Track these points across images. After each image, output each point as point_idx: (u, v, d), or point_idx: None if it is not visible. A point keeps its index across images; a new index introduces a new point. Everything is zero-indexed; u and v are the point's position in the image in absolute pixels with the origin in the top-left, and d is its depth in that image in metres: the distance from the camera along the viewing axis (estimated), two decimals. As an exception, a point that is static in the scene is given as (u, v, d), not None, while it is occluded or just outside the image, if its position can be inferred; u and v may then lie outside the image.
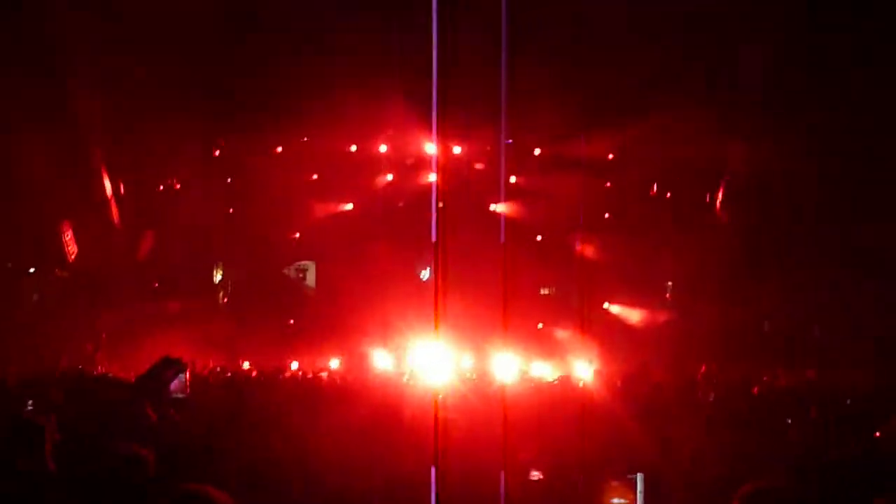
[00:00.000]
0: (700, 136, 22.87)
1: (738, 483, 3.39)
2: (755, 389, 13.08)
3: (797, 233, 19.34)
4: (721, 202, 21.96)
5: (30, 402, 9.60)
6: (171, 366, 9.36)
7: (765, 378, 14.57)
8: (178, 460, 5.11)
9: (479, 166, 23.75)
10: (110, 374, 15.13)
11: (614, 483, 4.74)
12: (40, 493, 3.90)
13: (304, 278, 26.16)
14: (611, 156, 23.11)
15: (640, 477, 4.73)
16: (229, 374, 17.46)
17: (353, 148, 23.32)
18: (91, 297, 20.70)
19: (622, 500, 4.72)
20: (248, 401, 11.75)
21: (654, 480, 5.26)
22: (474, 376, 17.52)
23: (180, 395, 9.22)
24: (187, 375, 9.66)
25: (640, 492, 4.70)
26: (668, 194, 24.42)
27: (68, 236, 20.84)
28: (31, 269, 21.57)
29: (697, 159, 23.10)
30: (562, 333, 23.59)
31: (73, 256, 21.00)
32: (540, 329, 24.52)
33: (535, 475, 5.15)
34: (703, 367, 18.37)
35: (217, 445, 6.62)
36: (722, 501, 3.55)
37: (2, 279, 20.34)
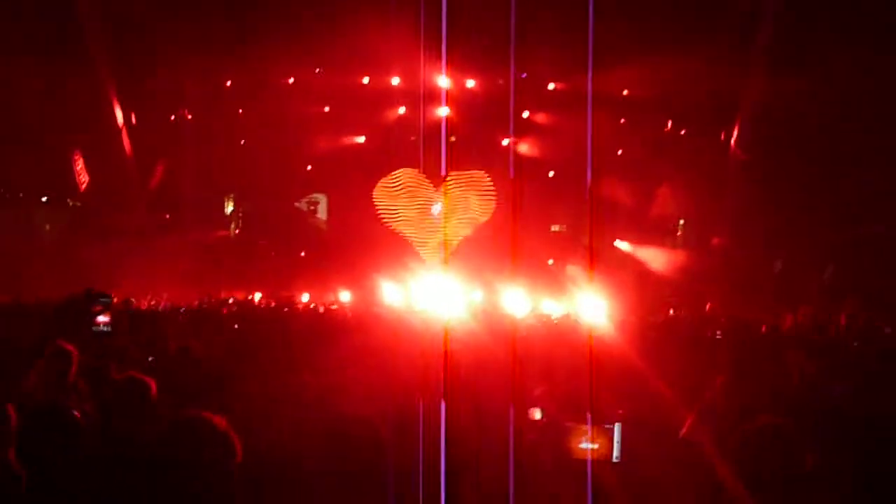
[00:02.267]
0: (716, 71, 22.66)
1: (745, 418, 3.42)
2: (762, 328, 13.11)
3: (813, 172, 19.15)
4: (736, 139, 21.77)
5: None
6: (95, 300, 9.45)
7: (772, 318, 14.57)
8: (186, 391, 5.18)
9: (491, 100, 23.54)
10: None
11: (584, 427, 4.73)
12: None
13: (315, 211, 26.18)
14: (625, 91, 22.86)
15: (617, 427, 4.73)
16: (237, 306, 17.61)
17: (365, 80, 23.10)
18: (102, 227, 20.79)
19: (592, 445, 4.71)
20: (259, 332, 11.86)
21: (660, 418, 5.32)
22: (483, 310, 17.61)
23: (105, 329, 9.27)
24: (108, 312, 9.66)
25: (617, 441, 4.71)
26: (683, 131, 24.22)
27: (79, 165, 20.86)
28: (44, 199, 21.65)
29: (713, 95, 22.89)
30: (572, 270, 23.64)
31: (84, 186, 21.05)
32: (550, 265, 24.58)
33: (536, 414, 5.16)
34: (708, 305, 18.45)
35: (227, 376, 6.70)
36: (730, 436, 3.58)
37: (14, 208, 20.42)
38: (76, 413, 4.10)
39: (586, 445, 4.74)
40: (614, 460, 4.69)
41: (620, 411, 4.96)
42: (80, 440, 3.94)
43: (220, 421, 3.40)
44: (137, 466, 3.51)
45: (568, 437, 4.81)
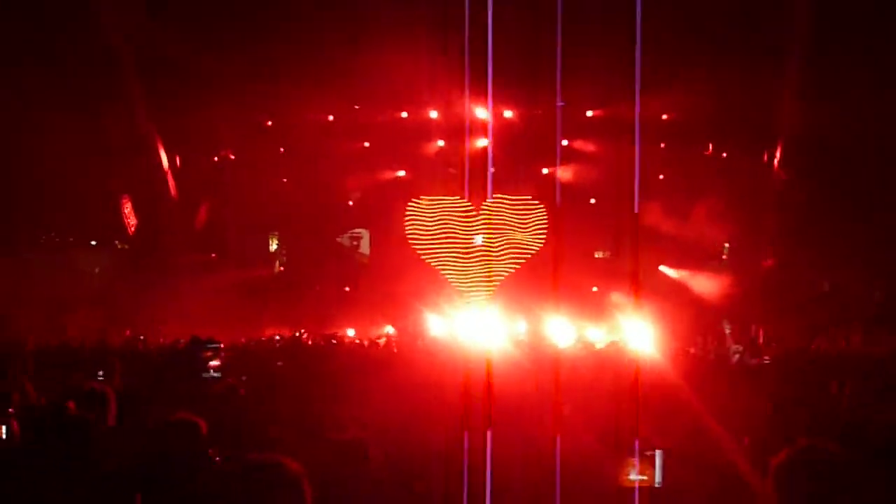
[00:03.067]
0: (756, 94, 22.52)
1: (779, 445, 3.38)
2: (811, 352, 12.93)
3: (858, 192, 18.89)
4: (779, 161, 21.57)
5: (100, 372, 9.88)
6: (202, 346, 9.67)
7: (818, 342, 14.36)
8: (234, 430, 5.22)
9: (530, 129, 23.59)
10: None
11: (632, 459, 4.72)
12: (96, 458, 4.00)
13: (357, 246, 26.34)
14: (665, 116, 22.79)
15: (658, 454, 4.70)
16: (282, 343, 17.71)
17: (405, 115, 23.29)
18: (151, 269, 21.07)
19: (641, 476, 4.69)
20: (306, 369, 11.93)
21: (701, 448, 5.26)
22: (527, 340, 17.54)
23: (215, 375, 9.45)
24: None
25: (659, 467, 4.69)
26: (724, 154, 24.06)
27: (128, 209, 21.21)
28: (93, 242, 22.03)
29: (753, 118, 22.74)
30: (617, 297, 23.48)
31: (132, 229, 21.39)
32: (594, 293, 24.45)
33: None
34: (760, 332, 18.21)
35: (274, 414, 6.74)
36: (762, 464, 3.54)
37: (64, 252, 20.79)
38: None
39: (634, 476, 4.73)
40: (656, 485, 4.67)
41: (662, 442, 4.93)
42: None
43: (296, 467, 3.33)
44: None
45: (613, 467, 4.79)
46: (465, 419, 5.25)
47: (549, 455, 5.09)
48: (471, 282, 24.70)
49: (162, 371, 9.63)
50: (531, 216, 21.60)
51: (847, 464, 3.28)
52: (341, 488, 4.19)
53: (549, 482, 4.87)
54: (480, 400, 5.76)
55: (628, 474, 4.76)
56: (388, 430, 5.92)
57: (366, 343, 17.58)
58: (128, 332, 17.42)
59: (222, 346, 10.50)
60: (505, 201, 23.51)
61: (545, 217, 20.62)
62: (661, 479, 4.65)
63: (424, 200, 21.82)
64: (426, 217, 23.15)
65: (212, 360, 9.65)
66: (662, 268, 23.96)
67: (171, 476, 4.44)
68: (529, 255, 21.92)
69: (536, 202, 20.83)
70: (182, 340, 14.22)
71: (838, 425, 4.90)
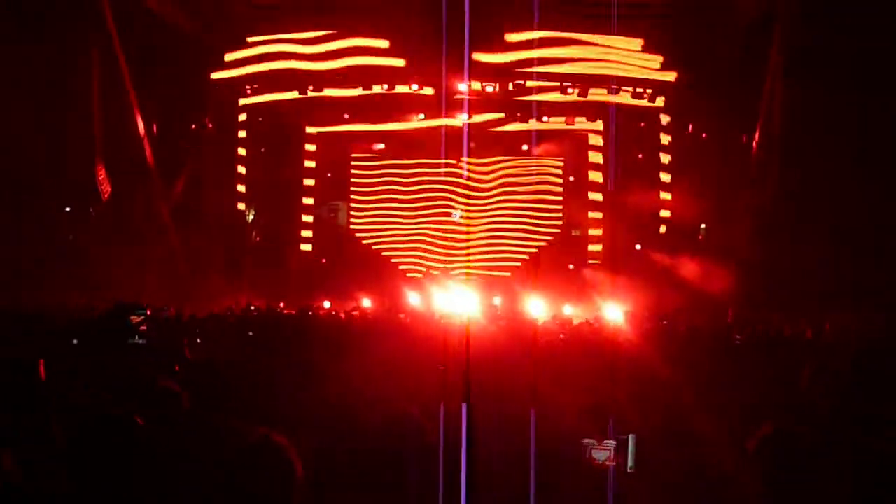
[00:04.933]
0: (736, 76, 22.61)
1: (754, 426, 3.43)
2: (786, 334, 13.07)
3: (832, 171, 18.95)
4: (758, 142, 21.67)
5: (74, 340, 9.79)
6: (131, 312, 9.57)
7: (794, 324, 14.51)
8: (212, 397, 5.22)
9: (508, 105, 23.60)
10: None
11: (606, 441, 4.77)
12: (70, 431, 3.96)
13: (335, 217, 26.29)
14: (645, 97, 22.83)
15: (631, 438, 4.75)
16: (258, 313, 17.69)
17: (384, 87, 23.21)
18: (126, 235, 20.91)
19: (612, 462, 4.74)
20: (282, 339, 11.93)
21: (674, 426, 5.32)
22: (504, 315, 17.64)
23: (141, 342, 9.38)
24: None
25: (632, 452, 4.74)
26: (704, 135, 24.16)
27: (101, 175, 21.02)
28: (67, 209, 21.80)
29: (733, 99, 22.84)
30: (593, 275, 23.63)
31: (106, 195, 21.20)
32: (571, 270, 24.58)
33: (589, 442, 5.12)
34: (730, 311, 18.35)
35: (251, 382, 6.74)
36: (739, 441, 3.59)
37: (42, 218, 20.58)
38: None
39: (603, 458, 4.79)
40: (629, 470, 4.73)
41: (639, 419, 4.99)
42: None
43: (281, 439, 3.32)
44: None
45: (585, 449, 4.84)
46: (443, 391, 5.29)
47: (524, 429, 5.13)
48: (449, 255, 24.86)
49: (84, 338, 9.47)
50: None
51: (814, 444, 3.34)
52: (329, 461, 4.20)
53: (525, 456, 4.92)
54: (457, 373, 5.79)
55: (602, 457, 4.81)
56: (361, 404, 5.94)
57: (342, 315, 17.58)
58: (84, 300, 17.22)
59: (148, 312, 10.36)
60: (482, 168, 23.43)
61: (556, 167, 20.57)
62: (633, 464, 4.71)
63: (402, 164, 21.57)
64: (403, 182, 23.06)
65: (138, 328, 9.53)
66: (639, 247, 24.09)
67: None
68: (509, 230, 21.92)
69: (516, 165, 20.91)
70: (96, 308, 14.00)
71: (807, 407, 4.98)
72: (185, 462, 3.84)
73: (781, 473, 3.30)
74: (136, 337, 9.50)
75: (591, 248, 24.73)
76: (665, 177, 23.87)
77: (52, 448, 4.02)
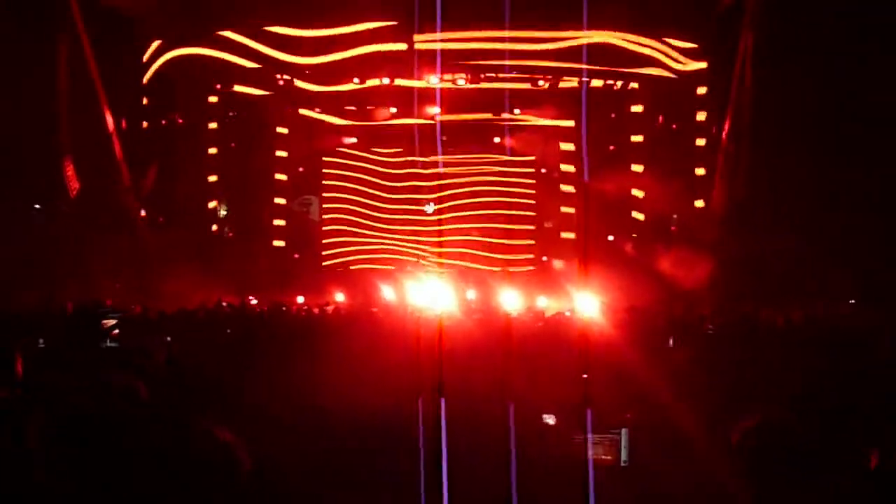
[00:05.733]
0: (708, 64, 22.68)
1: (736, 417, 3.40)
2: (759, 323, 13.12)
3: (804, 161, 19.05)
4: (728, 133, 21.74)
5: (41, 340, 9.64)
6: (106, 313, 9.52)
7: (768, 313, 14.57)
8: (176, 394, 5.15)
9: (481, 99, 23.54)
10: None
11: (597, 437, 4.73)
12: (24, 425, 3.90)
13: (307, 212, 26.14)
14: (616, 86, 22.87)
15: (624, 432, 4.72)
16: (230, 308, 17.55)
17: (356, 81, 23.09)
18: (96, 231, 20.69)
19: (605, 455, 4.71)
20: (253, 335, 11.84)
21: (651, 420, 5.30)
22: (478, 308, 17.61)
23: (112, 345, 9.32)
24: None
25: (625, 447, 4.71)
26: (674, 126, 24.22)
27: (70, 171, 20.76)
28: (37, 206, 21.51)
29: (703, 89, 22.94)
30: (566, 267, 23.67)
31: (75, 192, 20.94)
32: (544, 261, 24.61)
33: (548, 419, 5.12)
34: (706, 301, 18.43)
35: (219, 380, 6.67)
36: (721, 437, 3.56)
37: (10, 214, 20.31)
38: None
39: (597, 454, 4.75)
40: (622, 464, 4.69)
41: (628, 415, 4.95)
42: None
43: (226, 435, 3.34)
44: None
45: (577, 445, 4.81)
46: (419, 387, 5.23)
47: (502, 423, 5.09)
48: (422, 249, 24.78)
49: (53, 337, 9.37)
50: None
51: (801, 434, 3.32)
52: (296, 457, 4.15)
53: (503, 451, 4.87)
54: (433, 368, 5.74)
55: (597, 453, 4.77)
56: (341, 400, 5.88)
57: (315, 311, 17.47)
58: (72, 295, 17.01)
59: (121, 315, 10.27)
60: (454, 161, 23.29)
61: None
62: (626, 459, 4.67)
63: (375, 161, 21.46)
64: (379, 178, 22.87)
65: (113, 329, 9.48)
66: (612, 238, 24.13)
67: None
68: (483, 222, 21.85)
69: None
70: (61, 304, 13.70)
71: (789, 394, 4.96)
72: (132, 455, 3.79)
73: (768, 465, 3.27)
74: (109, 341, 9.44)
75: (564, 235, 24.76)
76: (637, 167, 23.90)
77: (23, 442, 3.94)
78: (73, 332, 9.26)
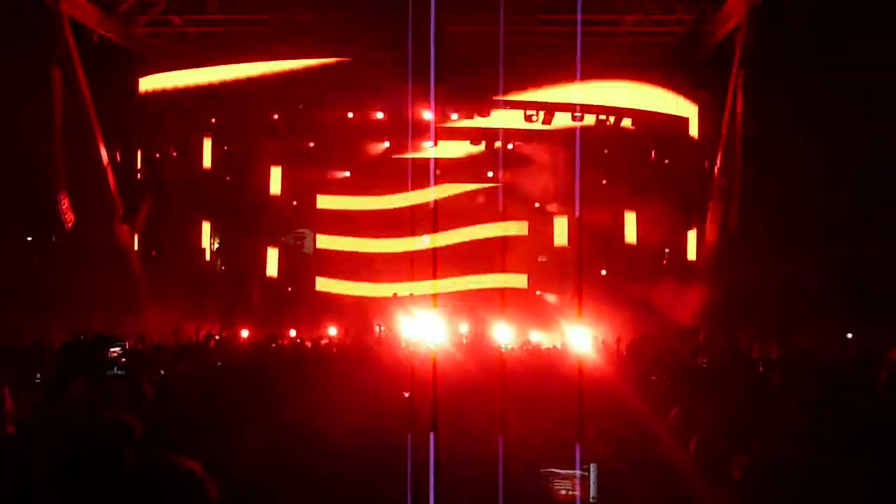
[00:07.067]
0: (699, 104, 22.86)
1: (734, 451, 3.39)
2: (753, 355, 13.11)
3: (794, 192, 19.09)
4: (719, 170, 21.83)
5: (38, 375, 9.60)
6: (107, 343, 9.49)
7: (760, 344, 14.57)
8: (171, 431, 5.12)
9: (475, 132, 23.65)
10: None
11: (566, 473, 4.73)
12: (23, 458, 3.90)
13: (301, 246, 26.13)
14: (609, 122, 23.00)
15: (593, 467, 4.71)
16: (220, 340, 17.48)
17: (350, 115, 23.20)
18: (89, 264, 20.65)
19: (571, 490, 4.71)
20: (247, 368, 11.79)
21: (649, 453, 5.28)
22: (471, 342, 17.58)
23: (120, 373, 9.26)
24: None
25: (594, 483, 4.70)
26: (667, 161, 24.33)
27: (65, 205, 20.76)
28: (29, 238, 21.48)
29: (693, 125, 23.10)
30: (560, 301, 23.64)
31: (70, 224, 20.92)
32: (538, 296, 24.57)
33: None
34: (701, 334, 18.39)
35: (214, 415, 6.64)
36: (718, 471, 3.55)
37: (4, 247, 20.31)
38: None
39: (564, 490, 4.76)
40: (591, 500, 4.68)
41: (607, 446, 4.94)
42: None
43: (192, 465, 3.34)
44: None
45: (548, 482, 4.80)
46: (410, 421, 5.22)
47: (492, 457, 5.07)
48: (416, 282, 24.63)
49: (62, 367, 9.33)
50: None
51: (814, 468, 3.30)
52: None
53: (492, 484, 4.85)
54: (426, 401, 5.72)
55: (564, 489, 4.77)
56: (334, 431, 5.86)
57: (308, 344, 17.41)
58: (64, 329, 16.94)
59: (127, 344, 10.26)
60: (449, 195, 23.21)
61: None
62: (595, 495, 4.66)
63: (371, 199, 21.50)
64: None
65: (117, 358, 9.45)
66: (605, 272, 24.15)
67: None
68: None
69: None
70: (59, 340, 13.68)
71: (785, 427, 4.95)
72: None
73: (773, 499, 3.25)
74: (115, 368, 9.39)
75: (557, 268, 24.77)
76: (629, 203, 23.97)
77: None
78: (68, 364, 9.20)
